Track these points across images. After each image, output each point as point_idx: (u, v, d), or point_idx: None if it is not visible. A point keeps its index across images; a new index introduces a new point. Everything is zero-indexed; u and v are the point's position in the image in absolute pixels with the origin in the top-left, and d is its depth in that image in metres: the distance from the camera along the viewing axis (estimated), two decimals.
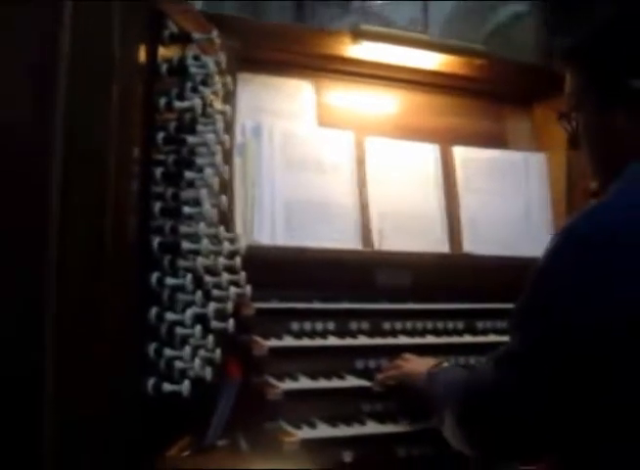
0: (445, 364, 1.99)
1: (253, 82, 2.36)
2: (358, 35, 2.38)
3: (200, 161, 1.76)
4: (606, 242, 1.36)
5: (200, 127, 1.77)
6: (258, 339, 2.02)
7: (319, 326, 2.19)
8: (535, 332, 1.43)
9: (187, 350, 1.67)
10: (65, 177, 1.46)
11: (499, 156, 2.63)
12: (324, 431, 1.88)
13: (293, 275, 2.18)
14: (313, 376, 2.03)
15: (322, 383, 2.01)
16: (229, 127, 1.88)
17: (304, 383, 1.99)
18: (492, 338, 2.35)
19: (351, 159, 2.40)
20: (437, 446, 1.96)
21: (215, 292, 1.84)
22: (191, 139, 1.76)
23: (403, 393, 2.00)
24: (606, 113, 1.51)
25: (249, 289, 1.91)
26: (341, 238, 2.34)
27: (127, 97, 1.63)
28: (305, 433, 1.85)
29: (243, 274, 1.90)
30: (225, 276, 1.87)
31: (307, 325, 2.18)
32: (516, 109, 2.71)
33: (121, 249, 1.59)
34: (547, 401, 1.42)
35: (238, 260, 1.89)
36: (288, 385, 1.95)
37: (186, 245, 1.72)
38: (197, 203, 1.77)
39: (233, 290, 1.88)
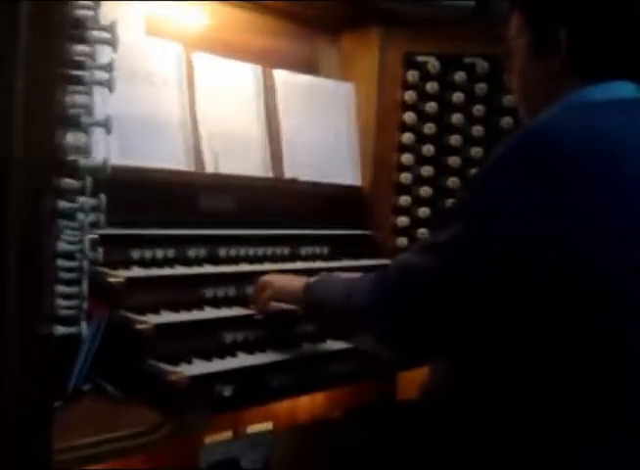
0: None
1: None
2: None
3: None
4: (553, 153, 1.38)
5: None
6: (109, 270, 1.81)
7: (159, 254, 2.02)
8: (474, 224, 1.43)
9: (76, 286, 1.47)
10: None
11: (313, 82, 2.59)
12: (204, 366, 1.74)
13: (125, 198, 1.97)
14: (174, 308, 1.87)
15: (185, 315, 1.85)
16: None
17: (169, 316, 1.81)
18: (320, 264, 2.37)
19: (180, 74, 2.20)
20: (307, 372, 1.99)
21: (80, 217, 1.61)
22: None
23: (282, 313, 1.96)
24: (539, 56, 1.58)
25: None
26: (172, 158, 2.15)
27: None
28: (186, 370, 1.70)
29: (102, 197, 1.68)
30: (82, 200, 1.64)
31: (148, 253, 1.99)
32: (326, 36, 2.69)
33: None
34: (469, 296, 1.42)
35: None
36: (155, 319, 1.76)
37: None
38: None
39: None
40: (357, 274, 1.85)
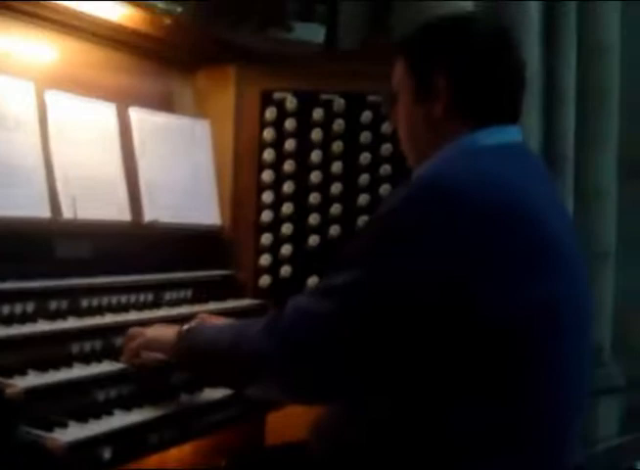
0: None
1: None
2: None
3: None
4: (449, 199, 1.41)
5: None
6: None
7: (19, 309, 1.87)
8: (373, 270, 1.44)
9: None
10: None
11: (170, 120, 2.51)
12: (80, 430, 1.61)
13: None
14: (42, 368, 1.72)
15: (55, 375, 1.71)
16: None
17: (38, 378, 1.67)
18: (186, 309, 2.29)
19: (32, 113, 2.06)
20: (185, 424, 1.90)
21: None
22: None
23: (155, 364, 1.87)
24: (422, 102, 1.61)
25: None
26: (27, 205, 2.00)
27: None
28: (61, 435, 1.56)
29: None
30: None
31: (6, 309, 1.84)
32: (183, 73, 2.62)
33: None
34: (367, 337, 1.44)
35: None
36: (23, 382, 1.62)
37: None
38: None
39: None
40: (234, 320, 1.82)
